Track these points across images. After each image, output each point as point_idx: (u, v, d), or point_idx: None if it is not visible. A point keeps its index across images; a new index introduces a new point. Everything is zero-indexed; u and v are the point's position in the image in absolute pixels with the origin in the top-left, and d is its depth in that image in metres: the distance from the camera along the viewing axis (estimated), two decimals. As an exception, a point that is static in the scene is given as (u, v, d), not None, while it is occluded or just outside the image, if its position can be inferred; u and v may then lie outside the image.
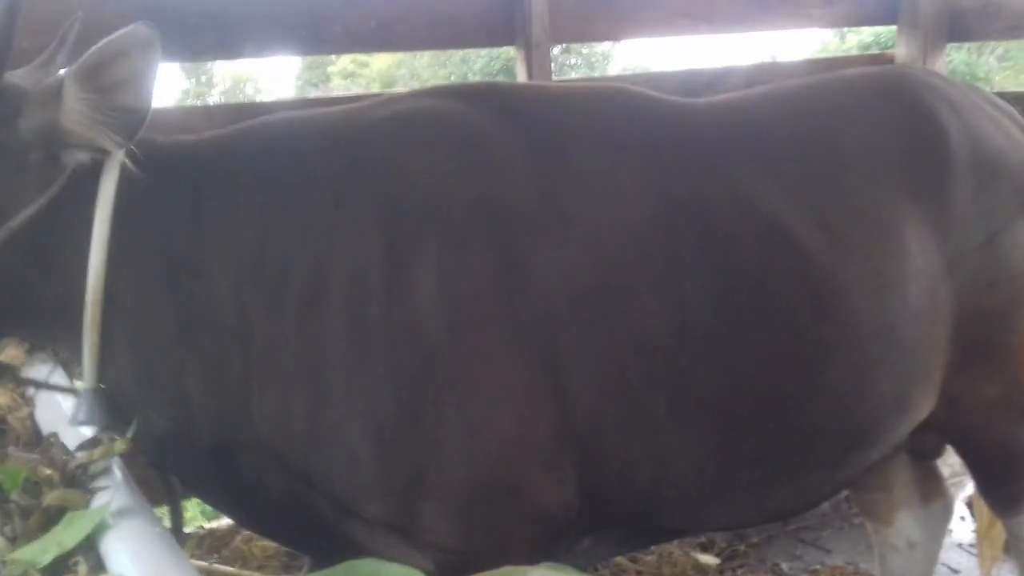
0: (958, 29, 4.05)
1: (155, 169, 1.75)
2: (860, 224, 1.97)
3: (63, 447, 1.56)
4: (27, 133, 1.64)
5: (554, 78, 3.95)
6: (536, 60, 3.51)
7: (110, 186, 1.68)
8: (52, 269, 1.71)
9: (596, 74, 22.54)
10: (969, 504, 3.37)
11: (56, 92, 1.62)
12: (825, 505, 3.58)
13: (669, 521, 2.05)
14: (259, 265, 1.75)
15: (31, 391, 1.89)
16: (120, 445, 1.57)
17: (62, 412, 1.81)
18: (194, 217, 1.77)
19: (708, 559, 3.54)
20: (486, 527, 1.79)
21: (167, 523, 1.71)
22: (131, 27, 1.58)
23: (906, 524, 2.63)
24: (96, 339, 1.68)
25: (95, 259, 1.65)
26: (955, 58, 16.99)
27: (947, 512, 2.68)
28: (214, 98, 28.03)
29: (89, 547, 1.30)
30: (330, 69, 28.36)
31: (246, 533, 3.29)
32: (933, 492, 2.64)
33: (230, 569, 3.12)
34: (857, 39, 18.46)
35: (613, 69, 25.42)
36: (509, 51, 4.50)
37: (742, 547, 3.69)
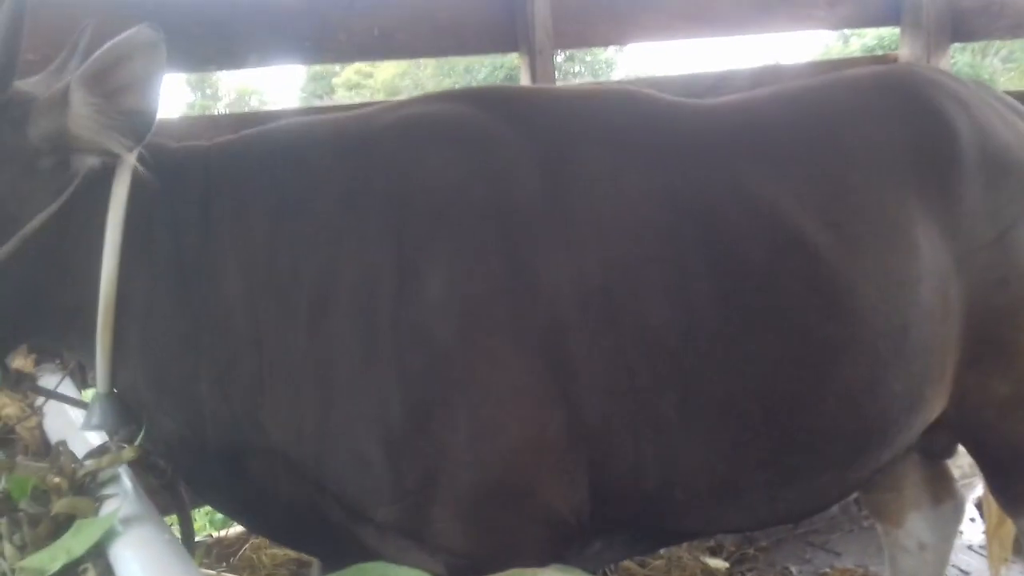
0: (961, 29, 4.03)
1: (166, 174, 1.75)
2: (868, 223, 1.96)
3: (71, 455, 1.56)
4: (37, 139, 1.64)
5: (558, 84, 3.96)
6: (540, 66, 3.51)
7: (122, 190, 1.68)
8: (65, 274, 1.71)
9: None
10: (979, 505, 3.35)
11: (63, 98, 1.61)
12: (834, 508, 3.57)
13: (679, 523, 2.04)
14: (270, 269, 1.75)
15: (39, 400, 1.89)
16: (128, 452, 1.58)
17: (70, 420, 1.82)
18: (205, 221, 1.77)
19: (717, 563, 3.52)
20: (496, 530, 1.79)
21: (176, 532, 1.71)
22: (134, 30, 1.58)
23: (917, 525, 2.61)
24: (109, 343, 1.68)
25: (108, 263, 1.65)
26: (959, 60, 16.99)
27: (958, 513, 2.66)
28: (219, 111, 28.10)
29: (98, 554, 1.30)
30: (334, 81, 28.45)
31: (255, 541, 3.29)
32: (944, 493, 2.62)
33: (239, 577, 3.12)
34: (860, 42, 18.44)
35: (616, 76, 25.51)
36: (513, 60, 4.51)
37: (751, 551, 3.67)
